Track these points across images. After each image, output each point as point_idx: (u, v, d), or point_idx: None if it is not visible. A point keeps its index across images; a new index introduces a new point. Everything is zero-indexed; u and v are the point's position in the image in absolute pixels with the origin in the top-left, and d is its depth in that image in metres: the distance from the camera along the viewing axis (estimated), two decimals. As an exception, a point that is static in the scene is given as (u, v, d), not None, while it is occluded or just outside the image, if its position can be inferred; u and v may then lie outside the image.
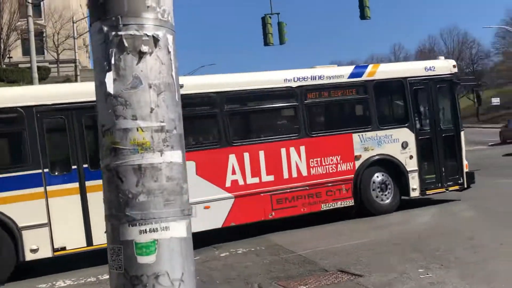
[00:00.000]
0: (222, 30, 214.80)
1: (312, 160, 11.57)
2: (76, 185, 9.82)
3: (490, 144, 36.94)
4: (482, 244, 8.27)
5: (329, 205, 11.72)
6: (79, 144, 9.94)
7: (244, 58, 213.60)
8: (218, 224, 10.76)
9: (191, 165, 10.09)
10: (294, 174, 11.43)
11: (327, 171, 11.72)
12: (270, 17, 24.79)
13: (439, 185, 12.59)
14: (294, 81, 11.62)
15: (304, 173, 11.51)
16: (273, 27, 24.82)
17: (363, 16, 22.05)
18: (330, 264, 8.15)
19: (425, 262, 7.62)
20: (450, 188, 12.72)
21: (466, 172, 12.77)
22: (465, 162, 12.81)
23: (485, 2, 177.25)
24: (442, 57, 14.14)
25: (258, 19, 25.19)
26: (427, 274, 7.03)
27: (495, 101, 63.44)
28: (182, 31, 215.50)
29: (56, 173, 9.77)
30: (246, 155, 11.07)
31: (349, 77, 12.18)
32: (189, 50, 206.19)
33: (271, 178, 11.23)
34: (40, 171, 9.56)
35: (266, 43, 24.73)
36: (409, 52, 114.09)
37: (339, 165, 11.79)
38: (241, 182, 10.99)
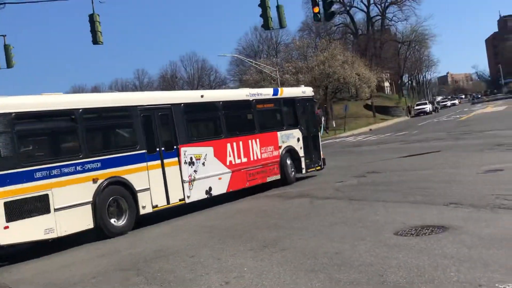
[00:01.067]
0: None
1: (262, 148, 17.32)
2: (159, 162, 13.80)
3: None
4: (200, 261, 8.81)
5: (270, 178, 17.57)
6: (159, 135, 14.04)
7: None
8: (224, 190, 15.83)
9: (210, 150, 15.42)
10: (255, 157, 17.03)
11: (268, 156, 17.56)
12: (-4, 40, 23.20)
13: (312, 166, 19.45)
14: (250, 96, 17.58)
15: (259, 156, 17.19)
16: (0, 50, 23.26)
17: (95, 41, 21.91)
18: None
19: (147, 285, 7.85)
20: (317, 168, 19.80)
21: (323, 159, 20.20)
22: (321, 152, 20.28)
23: (220, 31, 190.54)
24: (303, 85, 23.71)
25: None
26: (147, 295, 7.25)
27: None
28: None
29: (150, 154, 13.52)
30: (234, 144, 16.26)
31: (273, 95, 18.74)
32: None
33: (245, 160, 16.62)
34: (144, 151, 13.45)
35: (-6, 67, 23.07)
36: (152, 78, 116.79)
37: (273, 152, 17.76)
38: (233, 162, 16.12)
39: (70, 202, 11.64)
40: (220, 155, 15.74)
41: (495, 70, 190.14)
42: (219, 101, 16.44)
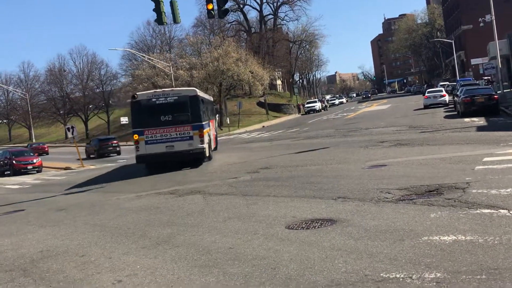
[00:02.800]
0: None
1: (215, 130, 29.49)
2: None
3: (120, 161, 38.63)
4: (91, 260, 8.56)
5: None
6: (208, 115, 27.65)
7: None
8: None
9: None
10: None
11: (215, 137, 27.82)
12: None
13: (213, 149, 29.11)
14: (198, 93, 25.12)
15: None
16: None
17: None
18: None
19: (34, 286, 7.51)
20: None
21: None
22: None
23: (110, 24, 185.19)
24: (194, 88, 29.43)
25: None
26: (34, 298, 6.94)
27: (124, 120, 66.75)
28: None
29: (204, 123, 24.43)
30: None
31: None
32: None
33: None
34: (206, 122, 25.82)
35: None
36: (38, 71, 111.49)
37: (215, 134, 30.22)
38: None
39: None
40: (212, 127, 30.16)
41: (380, 70, 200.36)
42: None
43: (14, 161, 38.47)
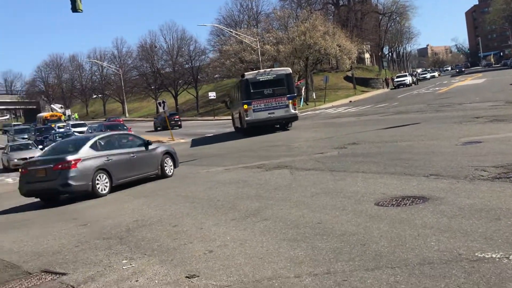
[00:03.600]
0: None
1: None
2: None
3: (207, 135, 39.45)
4: (183, 230, 8.84)
5: None
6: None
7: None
8: None
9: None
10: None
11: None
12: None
13: None
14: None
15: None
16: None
17: (74, 8, 21.51)
18: (35, 266, 7.88)
19: (130, 253, 7.86)
20: None
21: None
22: None
23: (199, 0, 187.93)
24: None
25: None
26: (131, 264, 7.27)
27: (212, 95, 67.89)
28: None
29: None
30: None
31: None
32: None
33: None
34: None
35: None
36: (131, 47, 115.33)
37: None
38: None
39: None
40: None
41: (474, 43, 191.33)
42: None
43: (109, 134, 40.17)
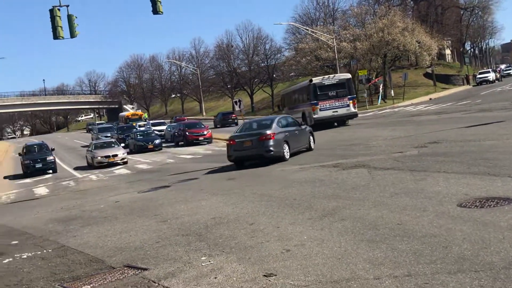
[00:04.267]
0: (7, 22, 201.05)
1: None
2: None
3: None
4: (260, 228, 8.90)
5: None
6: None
7: (35, 51, 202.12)
8: None
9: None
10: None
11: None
12: (59, 9, 23.70)
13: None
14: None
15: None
16: (63, 20, 23.80)
17: (155, 11, 22.11)
18: (118, 261, 8.17)
19: (209, 250, 8.00)
20: None
21: None
22: None
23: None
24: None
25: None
26: (209, 261, 7.39)
27: (287, 93, 67.87)
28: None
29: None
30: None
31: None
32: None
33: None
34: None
35: (56, 37, 23.61)
36: (208, 47, 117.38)
37: None
38: None
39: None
40: None
41: None
42: None
43: (187, 133, 41.03)
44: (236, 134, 20.84)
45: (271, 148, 18.83)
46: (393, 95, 60.71)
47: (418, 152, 15.79)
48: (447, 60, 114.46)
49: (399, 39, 59.35)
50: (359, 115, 38.16)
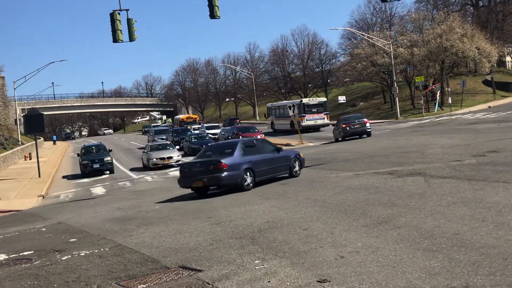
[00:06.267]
0: (70, 25, 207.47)
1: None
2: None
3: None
4: (313, 234, 8.87)
5: None
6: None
7: (95, 54, 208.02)
8: None
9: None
10: None
11: None
12: (119, 13, 24.35)
13: None
14: None
15: None
16: (123, 24, 24.44)
17: (212, 15, 22.39)
18: (172, 261, 8.30)
19: (262, 254, 8.04)
20: None
21: None
22: None
23: (331, 4, 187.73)
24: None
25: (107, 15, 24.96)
26: (263, 265, 7.42)
27: (341, 99, 67.40)
28: (27, 25, 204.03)
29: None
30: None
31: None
32: (35, 45, 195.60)
33: None
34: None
35: (115, 40, 24.25)
36: (263, 51, 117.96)
37: None
38: None
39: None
40: None
41: None
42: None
43: (241, 137, 41.31)
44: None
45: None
46: (450, 102, 59.31)
47: (477, 161, 15.39)
48: (508, 67, 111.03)
49: (457, 45, 57.98)
50: (415, 122, 37.41)
